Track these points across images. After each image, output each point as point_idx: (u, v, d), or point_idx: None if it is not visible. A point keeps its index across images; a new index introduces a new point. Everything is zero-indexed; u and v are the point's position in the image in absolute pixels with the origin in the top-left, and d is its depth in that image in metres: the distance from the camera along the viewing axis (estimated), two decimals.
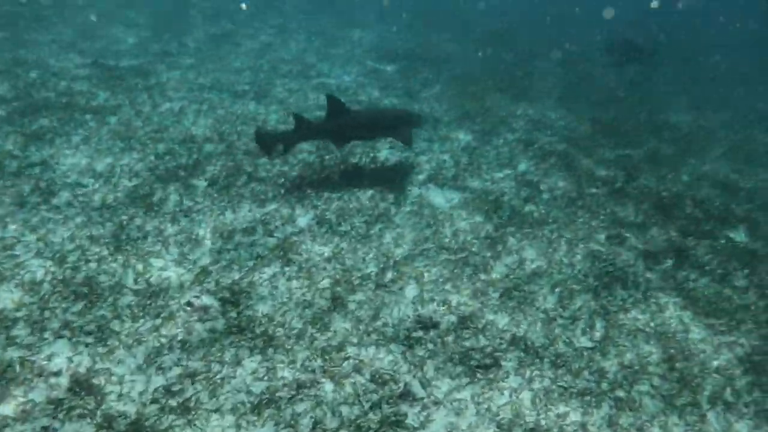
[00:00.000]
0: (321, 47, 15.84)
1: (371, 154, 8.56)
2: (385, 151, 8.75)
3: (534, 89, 13.32)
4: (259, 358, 4.74)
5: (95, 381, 4.25)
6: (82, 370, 4.34)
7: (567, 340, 5.30)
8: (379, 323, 5.27)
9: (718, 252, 7.04)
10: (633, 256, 6.74)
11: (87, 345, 4.57)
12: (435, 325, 5.29)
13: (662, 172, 9.14)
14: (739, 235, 7.54)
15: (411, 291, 5.74)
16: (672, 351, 5.30)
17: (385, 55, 15.41)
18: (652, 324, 5.65)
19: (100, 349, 4.55)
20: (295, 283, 5.68)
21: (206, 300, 5.28)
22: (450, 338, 5.17)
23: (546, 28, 21.94)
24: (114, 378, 4.31)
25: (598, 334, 5.42)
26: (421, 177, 8.05)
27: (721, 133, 11.94)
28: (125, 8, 16.85)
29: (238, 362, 4.67)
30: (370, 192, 7.49)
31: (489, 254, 6.43)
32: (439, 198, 7.55)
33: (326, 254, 6.19)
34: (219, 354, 4.72)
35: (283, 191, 7.32)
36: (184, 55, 13.29)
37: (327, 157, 8.36)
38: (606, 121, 11.35)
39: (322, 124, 7.36)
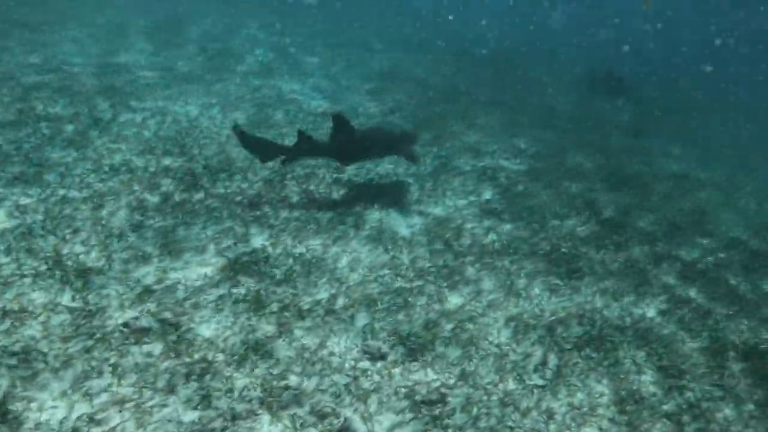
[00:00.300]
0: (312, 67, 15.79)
1: (334, 175, 8.44)
2: (349, 173, 8.63)
3: (506, 117, 13.36)
4: (195, 385, 4.55)
5: (12, 407, 4.01)
6: None
7: (518, 377, 5.19)
8: (324, 352, 5.11)
9: (675, 293, 7.02)
10: (591, 292, 6.68)
11: (9, 367, 4.33)
12: (383, 357, 5.14)
13: (627, 208, 9.16)
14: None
15: (361, 319, 5.60)
16: (623, 393, 5.21)
17: (372, 77, 15.41)
18: (605, 363, 5.57)
19: (23, 372, 4.31)
20: (241, 306, 5.51)
21: (145, 321, 5.07)
22: (397, 370, 5.03)
23: (531, 59, 22.23)
24: (34, 404, 4.08)
25: (550, 372, 5.33)
26: (383, 200, 7.95)
27: (686, 169, 12.08)
28: (123, 18, 16.62)
29: (171, 389, 4.47)
30: (329, 214, 7.36)
31: (446, 284, 6.33)
32: (399, 223, 7.44)
33: (277, 276, 6.03)
34: (152, 380, 4.51)
35: (239, 209, 7.15)
36: (156, 67, 13.10)
37: (289, 175, 8.23)
38: (576, 154, 11.40)
39: (327, 142, 7.28)
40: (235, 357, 4.88)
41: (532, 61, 21.80)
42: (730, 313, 6.76)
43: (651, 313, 6.50)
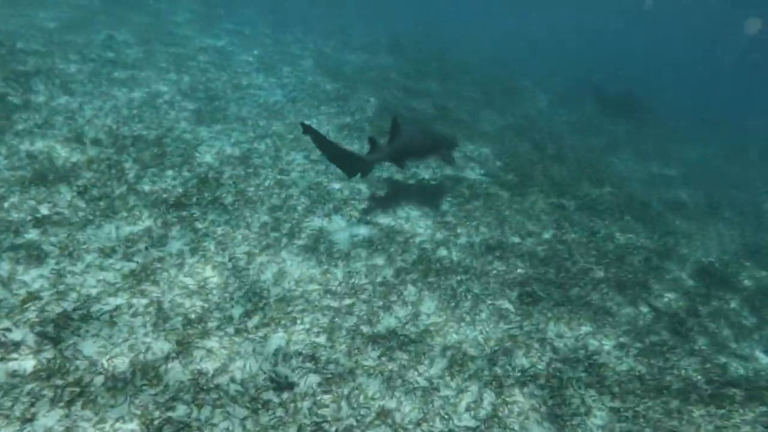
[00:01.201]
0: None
1: (277, 177, 7.85)
2: (294, 174, 8.04)
3: (477, 125, 12.84)
4: (60, 413, 3.95)
5: None
6: None
7: (446, 417, 4.63)
8: (224, 378, 4.52)
9: (637, 324, 6.50)
10: (545, 319, 6.14)
11: None
12: (291, 386, 4.56)
13: (596, 227, 8.65)
14: (663, 304, 7.04)
15: (276, 340, 5.01)
16: None
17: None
18: (549, 402, 5.03)
19: None
20: (139, 320, 4.90)
21: (19, 334, 4.45)
22: (306, 404, 4.45)
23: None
24: None
25: (484, 412, 4.77)
26: (328, 206, 7.37)
27: (661, 190, 11.63)
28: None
29: (30, 418, 3.86)
30: (264, 218, 6.77)
31: (380, 303, 5.76)
32: (341, 233, 6.87)
33: (190, 287, 5.44)
34: (10, 405, 3.91)
35: (164, 208, 6.54)
36: (108, 49, 12.43)
37: (227, 175, 7.62)
38: (547, 167, 10.88)
39: (389, 146, 7.22)
40: (118, 381, 4.28)
41: None
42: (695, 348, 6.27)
43: (608, 345, 5.97)
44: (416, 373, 5.00)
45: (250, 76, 12.25)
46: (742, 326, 6.97)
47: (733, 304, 7.43)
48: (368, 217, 7.32)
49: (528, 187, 9.45)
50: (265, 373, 4.65)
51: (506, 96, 16.42)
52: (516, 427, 4.68)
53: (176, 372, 4.48)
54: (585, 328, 6.15)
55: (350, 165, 6.95)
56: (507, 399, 4.93)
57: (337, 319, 5.41)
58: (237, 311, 5.26)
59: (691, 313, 6.93)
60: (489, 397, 4.93)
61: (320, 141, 6.72)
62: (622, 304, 6.74)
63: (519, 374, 5.27)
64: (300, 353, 4.92)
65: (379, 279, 6.14)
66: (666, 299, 7.13)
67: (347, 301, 5.69)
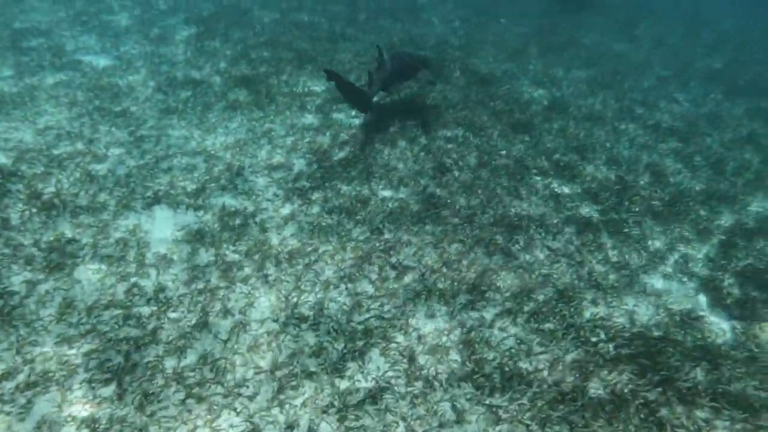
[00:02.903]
0: None
1: (89, 167, 6.55)
2: (113, 159, 6.75)
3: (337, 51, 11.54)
4: None
5: None
6: None
7: None
8: None
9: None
10: (417, 275, 5.21)
11: None
12: None
13: (514, 137, 7.67)
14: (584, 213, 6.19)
15: (43, 406, 3.95)
16: None
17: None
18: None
19: None
20: None
21: None
22: None
23: None
24: None
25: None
26: (148, 194, 6.18)
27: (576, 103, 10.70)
28: None
29: None
30: (61, 227, 5.56)
31: (194, 321, 4.71)
32: (163, 228, 5.73)
33: None
34: None
35: None
36: None
37: (19, 176, 6.31)
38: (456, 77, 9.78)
39: (377, 74, 7.37)
40: None
41: None
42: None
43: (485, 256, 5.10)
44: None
45: (78, 39, 10.61)
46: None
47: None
48: (201, 200, 6.17)
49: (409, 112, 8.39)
50: None
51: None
52: None
53: None
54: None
55: (361, 101, 7.29)
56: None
57: (134, 356, 4.36)
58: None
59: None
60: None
61: (339, 80, 7.06)
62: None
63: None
64: (73, 417, 3.88)
65: (200, 285, 5.07)
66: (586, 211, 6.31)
67: (152, 325, 4.63)
